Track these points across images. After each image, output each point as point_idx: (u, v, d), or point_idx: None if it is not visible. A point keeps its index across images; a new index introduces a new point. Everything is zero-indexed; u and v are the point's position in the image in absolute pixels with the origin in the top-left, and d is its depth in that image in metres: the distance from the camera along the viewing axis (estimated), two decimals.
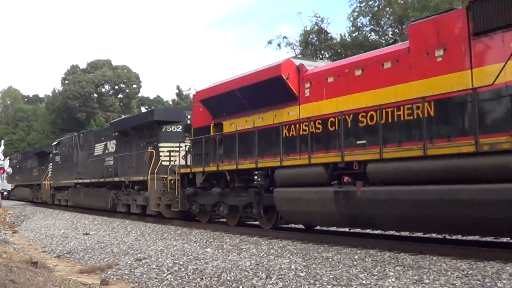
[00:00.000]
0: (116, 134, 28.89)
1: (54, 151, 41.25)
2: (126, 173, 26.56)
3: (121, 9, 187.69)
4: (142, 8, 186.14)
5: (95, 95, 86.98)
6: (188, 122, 23.36)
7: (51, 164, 40.46)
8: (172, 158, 23.02)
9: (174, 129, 24.26)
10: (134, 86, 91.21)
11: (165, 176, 22.61)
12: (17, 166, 51.74)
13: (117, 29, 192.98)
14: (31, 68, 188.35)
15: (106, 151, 30.10)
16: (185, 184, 20.93)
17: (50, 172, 40.13)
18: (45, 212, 35.60)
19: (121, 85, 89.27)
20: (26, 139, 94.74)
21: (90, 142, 33.61)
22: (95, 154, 31.97)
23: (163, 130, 24.40)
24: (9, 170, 46.95)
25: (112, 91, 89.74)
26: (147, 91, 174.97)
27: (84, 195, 32.88)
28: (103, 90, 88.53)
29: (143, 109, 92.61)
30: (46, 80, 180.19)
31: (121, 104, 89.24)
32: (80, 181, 33.38)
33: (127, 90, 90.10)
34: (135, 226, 21.61)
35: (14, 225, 28.86)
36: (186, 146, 22.28)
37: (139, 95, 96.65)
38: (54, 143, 42.50)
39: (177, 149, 22.31)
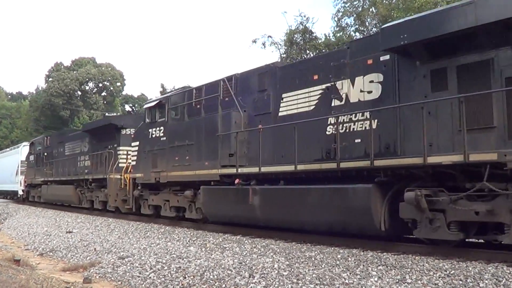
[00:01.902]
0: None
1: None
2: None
3: (106, 7, 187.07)
4: (126, 6, 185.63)
5: (79, 92, 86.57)
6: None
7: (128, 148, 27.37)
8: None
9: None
10: (118, 84, 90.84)
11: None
12: (44, 154, 38.91)
13: (102, 27, 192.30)
14: (14, 65, 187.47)
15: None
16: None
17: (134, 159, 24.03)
18: (28, 210, 35.50)
19: (105, 83, 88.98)
20: (9, 137, 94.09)
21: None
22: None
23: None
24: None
25: (96, 89, 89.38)
26: (131, 89, 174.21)
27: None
28: (87, 87, 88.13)
29: (127, 107, 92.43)
30: (30, 78, 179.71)
31: (105, 102, 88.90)
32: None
33: (111, 88, 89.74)
34: (118, 225, 21.57)
35: None
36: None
37: (123, 93, 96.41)
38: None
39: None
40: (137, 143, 23.03)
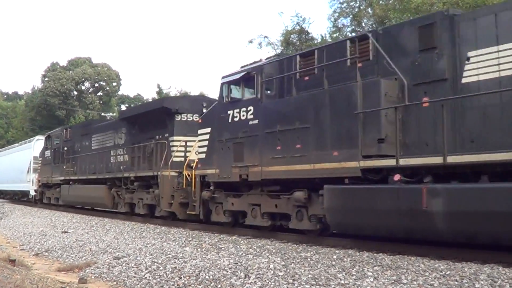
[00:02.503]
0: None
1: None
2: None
3: (102, 7, 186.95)
4: (122, 6, 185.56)
5: (75, 92, 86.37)
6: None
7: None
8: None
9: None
10: (114, 84, 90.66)
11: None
12: (64, 149, 33.31)
13: (98, 27, 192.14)
14: (10, 65, 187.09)
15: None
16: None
17: (202, 151, 19.30)
18: (23, 209, 35.43)
19: (101, 82, 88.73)
20: (5, 136, 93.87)
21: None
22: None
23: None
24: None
25: (92, 88, 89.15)
26: (127, 89, 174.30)
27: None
28: (83, 87, 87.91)
29: (123, 107, 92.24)
30: (26, 77, 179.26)
31: (101, 102, 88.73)
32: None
33: (107, 88, 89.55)
34: (114, 225, 21.55)
35: None
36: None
37: (119, 93, 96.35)
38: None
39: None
40: (207, 130, 18.10)
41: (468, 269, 9.27)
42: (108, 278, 11.48)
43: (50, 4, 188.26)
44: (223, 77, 17.70)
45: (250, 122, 15.99)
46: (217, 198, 17.71)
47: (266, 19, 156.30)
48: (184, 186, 20.15)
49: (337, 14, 39.70)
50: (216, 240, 15.32)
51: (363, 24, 37.78)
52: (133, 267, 11.89)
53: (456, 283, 8.41)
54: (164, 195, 20.72)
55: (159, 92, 77.28)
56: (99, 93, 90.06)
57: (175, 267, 11.20)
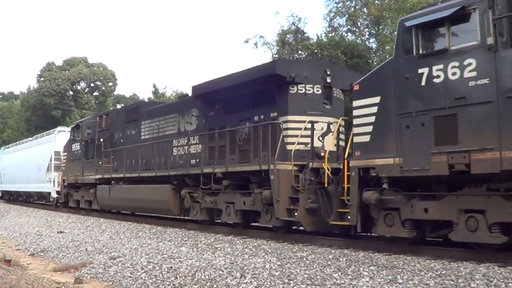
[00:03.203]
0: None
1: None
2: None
3: (97, 7, 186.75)
4: (118, 6, 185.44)
5: (71, 92, 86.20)
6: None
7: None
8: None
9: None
10: (110, 84, 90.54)
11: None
12: (100, 140, 27.02)
13: (93, 27, 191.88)
14: (5, 65, 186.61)
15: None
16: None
17: (360, 131, 13.19)
18: (19, 209, 35.35)
19: (97, 82, 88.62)
20: (0, 136, 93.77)
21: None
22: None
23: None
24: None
25: (88, 88, 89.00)
26: (123, 89, 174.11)
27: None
28: (79, 87, 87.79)
29: (119, 107, 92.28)
30: (21, 77, 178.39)
31: (96, 102, 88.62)
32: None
33: (103, 88, 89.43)
34: (110, 225, 21.51)
35: None
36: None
37: (115, 93, 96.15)
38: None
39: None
40: (373, 100, 12.46)
41: (463, 269, 9.29)
42: (104, 278, 11.48)
43: (46, 3, 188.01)
44: (406, 20, 12.13)
45: (472, 83, 10.42)
46: (390, 202, 12.17)
47: (262, 19, 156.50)
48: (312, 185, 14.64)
49: (332, 14, 39.68)
50: (212, 240, 15.32)
51: (359, 24, 37.84)
52: (129, 267, 11.90)
53: (452, 282, 8.42)
54: (281, 197, 14.85)
55: (155, 91, 77.31)
56: (95, 93, 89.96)
57: (171, 267, 11.20)
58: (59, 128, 38.00)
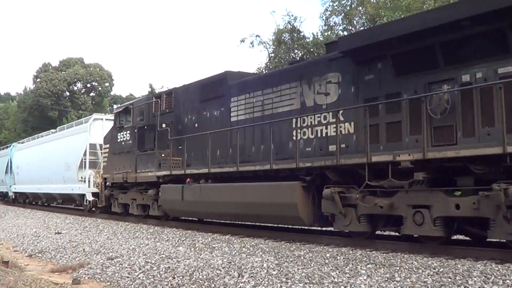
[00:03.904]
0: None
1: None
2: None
3: (93, 7, 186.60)
4: (114, 6, 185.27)
5: (67, 93, 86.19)
6: None
7: None
8: None
9: None
10: (107, 84, 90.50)
11: None
12: (162, 126, 20.51)
13: (90, 27, 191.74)
14: (2, 66, 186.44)
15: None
16: None
17: None
18: (16, 211, 35.26)
19: (94, 83, 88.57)
20: None
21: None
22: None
23: None
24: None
25: (84, 89, 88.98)
26: (120, 89, 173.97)
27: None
28: (75, 88, 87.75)
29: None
30: (18, 78, 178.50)
31: (93, 102, 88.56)
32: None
33: (100, 88, 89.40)
34: (107, 225, 21.50)
35: None
36: None
37: (112, 93, 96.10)
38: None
39: None
40: None
41: (461, 266, 9.29)
42: (101, 279, 11.46)
43: (41, 4, 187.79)
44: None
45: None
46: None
47: (258, 18, 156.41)
48: None
49: (328, 13, 39.75)
50: (210, 240, 15.31)
51: (355, 23, 37.86)
52: (126, 267, 11.89)
53: (450, 280, 8.42)
54: None
55: (151, 92, 77.36)
56: (92, 94, 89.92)
57: (169, 267, 11.19)
58: (94, 116, 31.25)
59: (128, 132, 23.28)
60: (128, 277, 11.06)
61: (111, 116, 28.17)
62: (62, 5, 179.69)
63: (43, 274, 12.49)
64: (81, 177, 28.73)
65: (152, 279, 10.52)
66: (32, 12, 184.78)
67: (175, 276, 10.45)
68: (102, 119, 30.11)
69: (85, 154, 29.19)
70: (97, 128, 29.40)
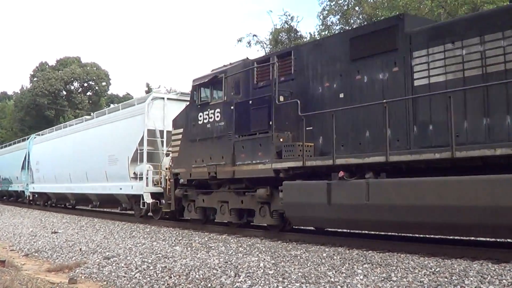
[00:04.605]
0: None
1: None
2: None
3: (90, 6, 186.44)
4: (111, 5, 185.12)
5: (64, 92, 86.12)
6: None
7: None
8: None
9: None
10: (104, 83, 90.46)
11: None
12: (280, 100, 14.73)
13: (87, 26, 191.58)
14: None
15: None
16: None
17: None
18: (13, 210, 35.19)
19: (90, 82, 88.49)
20: None
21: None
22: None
23: None
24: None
25: (81, 88, 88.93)
26: (116, 88, 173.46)
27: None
28: (72, 87, 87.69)
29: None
30: (15, 77, 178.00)
31: (90, 101, 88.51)
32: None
33: (96, 88, 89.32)
34: (104, 225, 21.51)
35: None
36: None
37: (109, 92, 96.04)
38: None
39: None
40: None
41: (457, 266, 9.31)
42: (98, 278, 11.44)
43: (38, 3, 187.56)
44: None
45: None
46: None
47: (255, 18, 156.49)
48: None
49: (326, 12, 39.81)
50: (206, 239, 15.33)
51: (352, 22, 37.90)
52: (123, 266, 11.87)
53: (446, 279, 8.43)
54: None
55: (149, 91, 77.39)
56: (89, 93, 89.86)
57: (165, 267, 11.18)
58: (154, 94, 24.11)
59: (218, 110, 17.30)
60: (124, 276, 11.04)
61: (174, 95, 24.22)
62: (59, 4, 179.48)
63: (39, 274, 12.47)
64: (135, 173, 22.90)
65: (148, 279, 10.51)
66: (29, 11, 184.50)
67: (172, 275, 10.44)
68: (163, 98, 23.56)
69: (141, 144, 22.65)
70: (156, 109, 22.99)
